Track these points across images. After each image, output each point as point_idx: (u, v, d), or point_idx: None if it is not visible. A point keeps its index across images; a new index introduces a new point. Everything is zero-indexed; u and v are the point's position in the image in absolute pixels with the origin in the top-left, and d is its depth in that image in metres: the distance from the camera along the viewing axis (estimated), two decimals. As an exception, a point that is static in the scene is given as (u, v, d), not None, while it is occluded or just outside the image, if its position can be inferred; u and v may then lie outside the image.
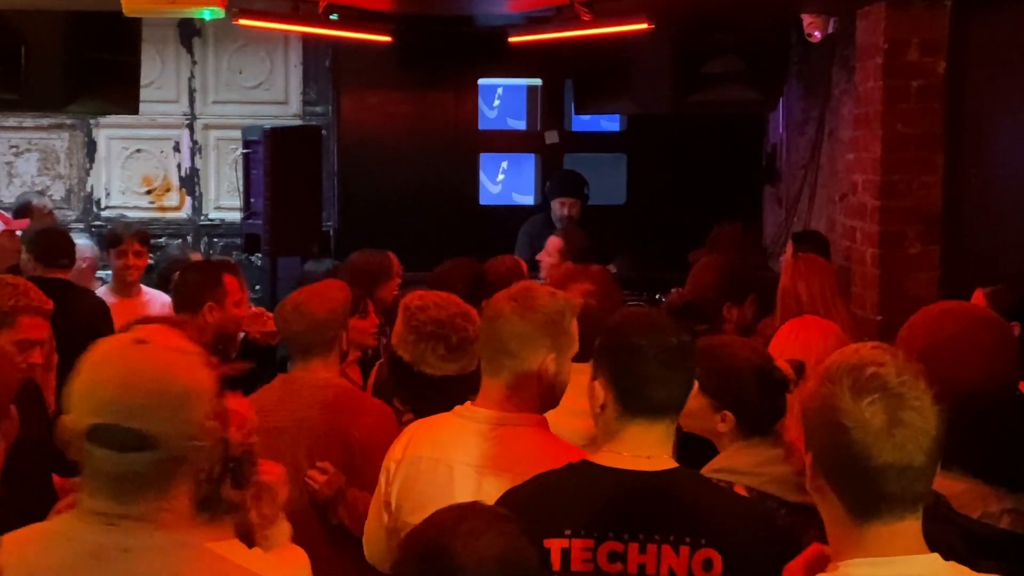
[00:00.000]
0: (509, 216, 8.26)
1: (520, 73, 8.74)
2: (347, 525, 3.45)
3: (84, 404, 1.87)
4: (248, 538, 2.58)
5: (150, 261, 6.42)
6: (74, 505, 2.02)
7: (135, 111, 7.02)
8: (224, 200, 8.72)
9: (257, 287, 7.35)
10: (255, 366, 3.94)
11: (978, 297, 4.09)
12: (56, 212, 7.83)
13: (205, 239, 8.72)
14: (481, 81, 8.73)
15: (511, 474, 2.51)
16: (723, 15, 6.62)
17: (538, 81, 8.78)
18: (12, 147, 8.64)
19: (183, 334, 2.06)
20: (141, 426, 1.85)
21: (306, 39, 8.38)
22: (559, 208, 7.50)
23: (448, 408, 2.88)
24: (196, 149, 8.74)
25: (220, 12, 5.28)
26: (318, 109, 8.69)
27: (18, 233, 5.87)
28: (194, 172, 8.76)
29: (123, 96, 6.73)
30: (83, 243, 6.56)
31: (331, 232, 8.27)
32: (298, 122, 8.51)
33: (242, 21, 5.91)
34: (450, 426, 2.78)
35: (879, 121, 5.80)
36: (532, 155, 9.01)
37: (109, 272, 6.47)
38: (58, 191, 8.67)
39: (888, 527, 1.80)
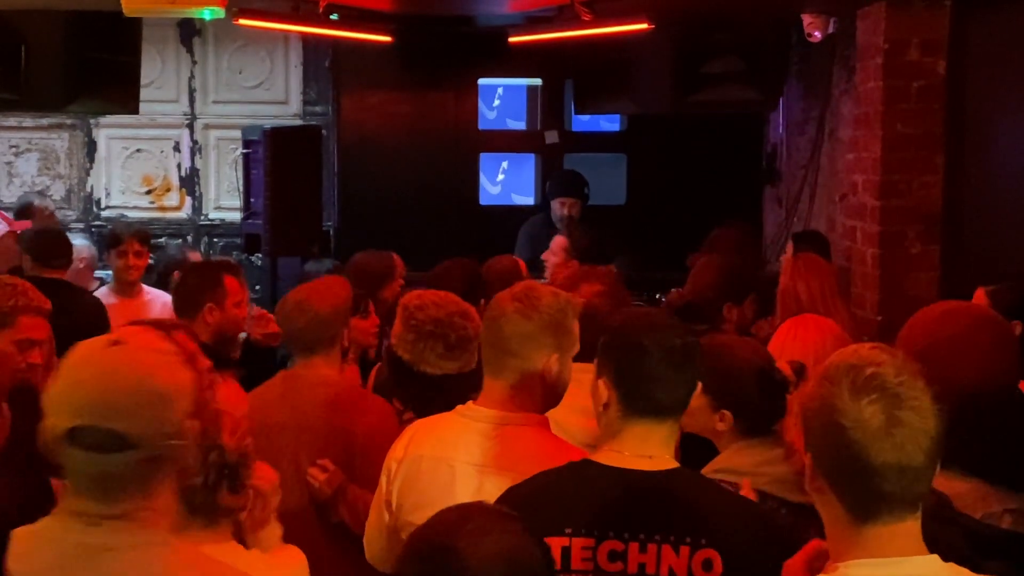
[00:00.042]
0: (509, 216, 8.25)
1: (520, 73, 8.74)
2: (347, 523, 3.45)
3: (62, 407, 1.88)
4: (238, 539, 2.60)
5: (151, 261, 6.42)
6: None
7: (135, 111, 7.03)
8: (224, 200, 8.72)
9: (257, 287, 7.35)
10: (256, 368, 3.94)
11: (980, 296, 4.10)
12: (56, 212, 7.83)
13: (205, 239, 8.73)
14: (481, 81, 8.72)
15: (513, 473, 2.51)
16: (723, 15, 6.63)
17: (538, 81, 8.78)
18: (12, 147, 8.64)
19: (164, 335, 2.06)
20: (119, 427, 1.86)
21: (306, 39, 8.38)
22: (559, 208, 7.50)
23: (448, 407, 2.87)
24: (196, 149, 8.74)
25: (220, 12, 5.29)
26: (318, 109, 8.69)
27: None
28: (194, 172, 8.76)
29: (123, 96, 6.74)
30: (80, 243, 6.56)
31: (331, 232, 8.27)
32: (298, 122, 8.51)
33: (242, 21, 5.91)
34: (452, 425, 2.78)
35: (879, 121, 5.81)
36: (532, 155, 9.01)
37: (110, 272, 6.48)
38: (58, 191, 8.68)
39: (888, 527, 1.80)
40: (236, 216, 8.17)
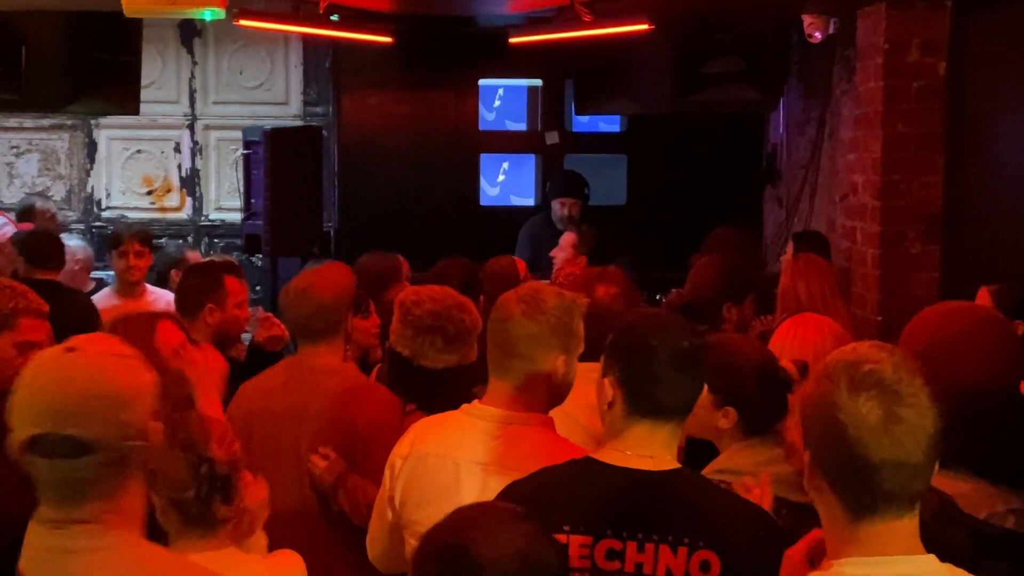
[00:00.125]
0: (509, 217, 8.26)
1: (520, 73, 8.74)
2: (347, 512, 3.45)
3: (22, 416, 1.90)
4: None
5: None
6: None
7: (136, 111, 7.03)
8: (224, 200, 8.72)
9: (257, 287, 7.35)
10: (261, 370, 3.93)
11: (983, 296, 4.10)
12: (57, 213, 7.83)
13: (205, 240, 8.73)
14: (482, 82, 8.73)
15: (517, 472, 2.51)
16: (723, 15, 6.63)
17: (538, 82, 8.78)
18: (13, 147, 8.65)
19: (122, 339, 2.08)
20: (77, 432, 1.87)
21: (306, 39, 8.38)
22: (559, 208, 7.50)
23: (450, 400, 2.88)
24: (196, 150, 8.74)
25: (220, 13, 5.28)
26: (318, 109, 8.69)
27: (20, 236, 5.88)
28: (195, 173, 8.77)
29: (124, 96, 6.74)
30: (76, 244, 6.55)
31: (331, 232, 8.27)
32: (298, 122, 8.51)
33: (242, 21, 5.91)
34: (458, 423, 2.78)
35: (879, 121, 5.81)
36: (532, 156, 9.01)
37: (110, 273, 6.48)
38: (59, 192, 8.68)
39: (886, 525, 1.80)
40: (236, 217, 8.17)
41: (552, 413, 2.79)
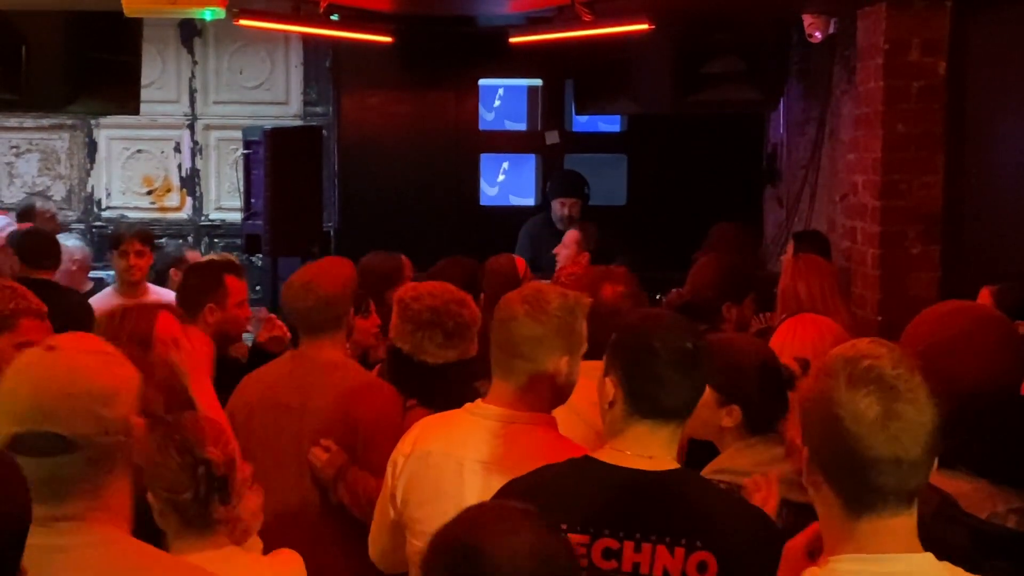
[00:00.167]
0: (509, 217, 8.26)
1: (521, 73, 8.75)
2: (347, 504, 3.46)
3: (3, 416, 1.90)
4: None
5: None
6: None
7: (136, 111, 7.03)
8: (225, 200, 8.72)
9: (258, 287, 7.35)
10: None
11: (984, 296, 4.10)
12: (57, 213, 7.83)
13: (206, 239, 8.73)
14: (482, 82, 8.73)
15: (519, 472, 2.51)
16: (723, 15, 6.63)
17: (539, 81, 8.78)
18: (13, 147, 8.65)
19: (100, 337, 2.09)
20: (58, 429, 1.87)
21: (307, 39, 8.38)
22: (559, 208, 7.50)
23: (450, 395, 2.88)
24: (197, 149, 8.75)
25: (221, 12, 5.29)
26: (318, 109, 8.69)
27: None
28: (195, 172, 8.77)
29: (124, 96, 6.73)
30: (73, 244, 6.54)
31: (331, 232, 8.27)
32: (299, 122, 8.51)
33: (243, 21, 5.91)
34: (461, 422, 2.78)
35: (880, 121, 5.81)
36: (532, 156, 9.01)
37: (111, 273, 6.48)
38: (59, 191, 8.68)
39: (883, 522, 1.80)
40: (237, 216, 8.18)
41: (557, 409, 2.79)
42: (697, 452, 3.08)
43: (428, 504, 2.72)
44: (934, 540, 1.83)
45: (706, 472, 2.92)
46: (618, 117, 8.80)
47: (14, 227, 6.53)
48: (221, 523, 2.60)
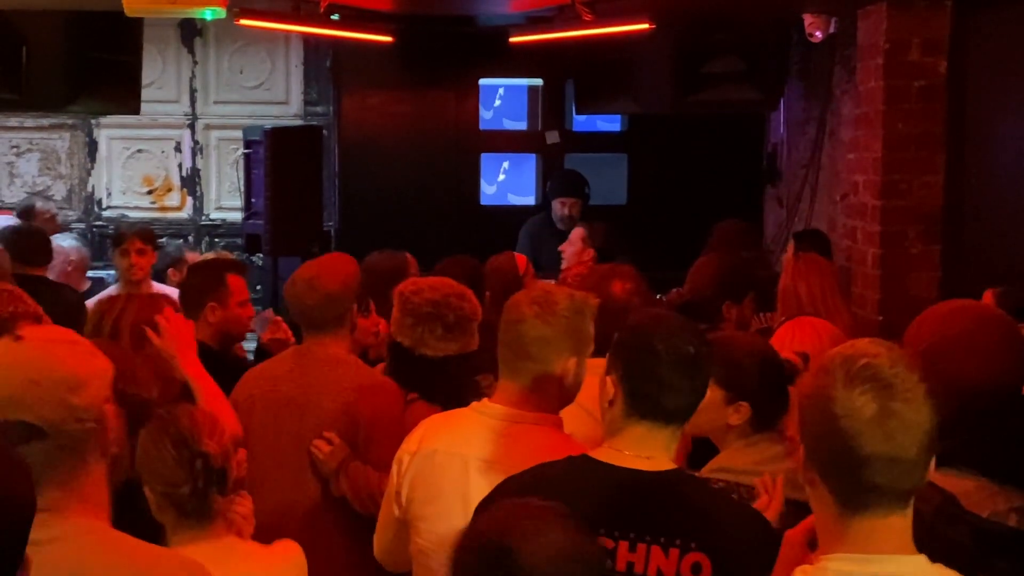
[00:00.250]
0: (509, 216, 8.26)
1: (521, 73, 8.74)
2: (348, 498, 3.47)
3: None
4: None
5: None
6: None
7: (136, 111, 7.02)
8: (225, 200, 8.73)
9: (258, 287, 7.35)
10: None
11: (987, 299, 4.09)
12: (58, 212, 7.84)
13: (206, 239, 8.73)
14: (482, 81, 8.73)
15: (523, 471, 2.51)
16: (724, 15, 6.63)
17: (539, 81, 8.78)
18: (13, 147, 8.65)
19: (73, 331, 2.10)
20: (27, 417, 1.88)
21: (307, 39, 8.38)
22: (560, 208, 7.51)
23: (451, 389, 2.88)
24: (197, 149, 8.75)
25: (221, 12, 5.28)
26: (319, 109, 8.69)
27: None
28: (195, 172, 8.77)
29: (124, 96, 6.73)
30: (70, 245, 6.54)
31: (332, 232, 8.28)
32: (299, 122, 8.51)
33: (243, 21, 5.91)
34: (467, 421, 2.78)
35: (880, 121, 5.81)
36: (533, 155, 9.01)
37: (111, 273, 6.48)
38: (59, 191, 8.68)
39: (876, 522, 1.80)
40: (237, 216, 8.18)
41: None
42: (696, 451, 3.09)
43: (433, 502, 2.73)
44: (936, 539, 1.83)
45: (705, 471, 2.93)
46: (618, 117, 8.80)
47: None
48: (220, 514, 2.61)
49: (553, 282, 5.16)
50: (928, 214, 5.78)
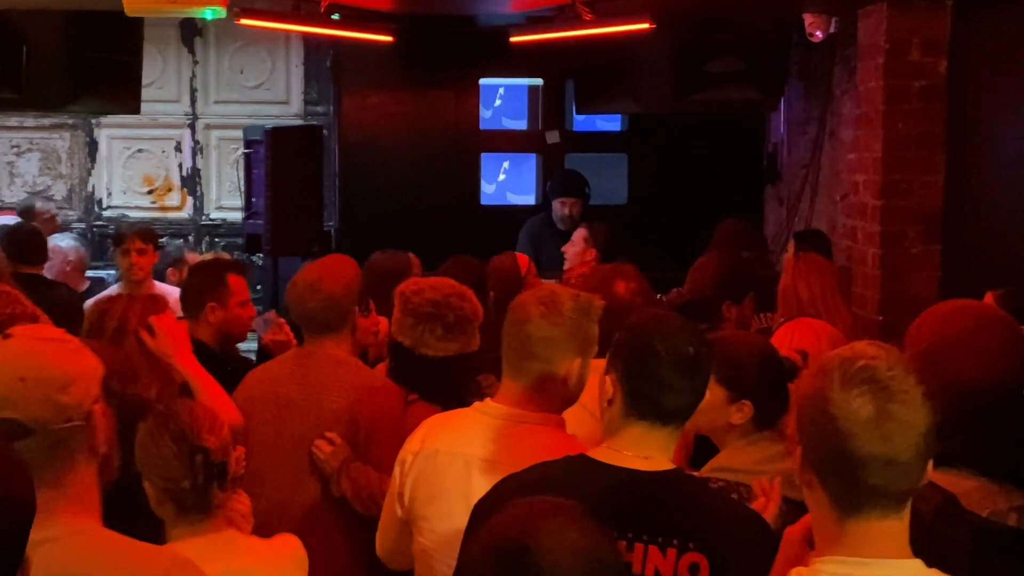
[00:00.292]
0: (510, 216, 8.26)
1: (521, 73, 8.74)
2: (349, 498, 3.48)
3: None
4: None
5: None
6: None
7: (136, 111, 7.02)
8: (225, 200, 8.73)
9: (258, 287, 7.35)
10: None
11: (988, 301, 4.09)
12: (58, 212, 7.84)
13: (206, 239, 8.74)
14: (482, 81, 8.73)
15: (527, 472, 2.51)
16: (724, 15, 6.62)
17: (539, 81, 8.78)
18: (13, 147, 8.65)
19: (63, 329, 2.10)
20: (14, 414, 1.88)
21: (307, 39, 8.39)
22: (560, 208, 7.51)
23: (452, 389, 2.88)
24: (197, 149, 8.75)
25: (221, 12, 5.28)
26: (319, 109, 8.69)
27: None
28: (195, 172, 8.77)
29: (124, 96, 6.73)
30: (68, 245, 6.54)
31: (332, 232, 8.28)
32: (299, 122, 8.52)
33: (243, 21, 5.90)
34: (469, 421, 2.78)
35: (880, 121, 5.81)
36: (533, 155, 9.01)
37: (111, 272, 6.48)
38: (59, 191, 8.69)
39: (871, 525, 1.80)
40: (237, 216, 8.19)
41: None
42: (696, 450, 3.09)
43: (435, 502, 2.73)
44: (936, 538, 1.83)
45: (705, 470, 2.93)
46: (618, 116, 8.80)
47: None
48: (220, 508, 2.62)
49: (556, 282, 5.16)
50: (928, 214, 5.78)
